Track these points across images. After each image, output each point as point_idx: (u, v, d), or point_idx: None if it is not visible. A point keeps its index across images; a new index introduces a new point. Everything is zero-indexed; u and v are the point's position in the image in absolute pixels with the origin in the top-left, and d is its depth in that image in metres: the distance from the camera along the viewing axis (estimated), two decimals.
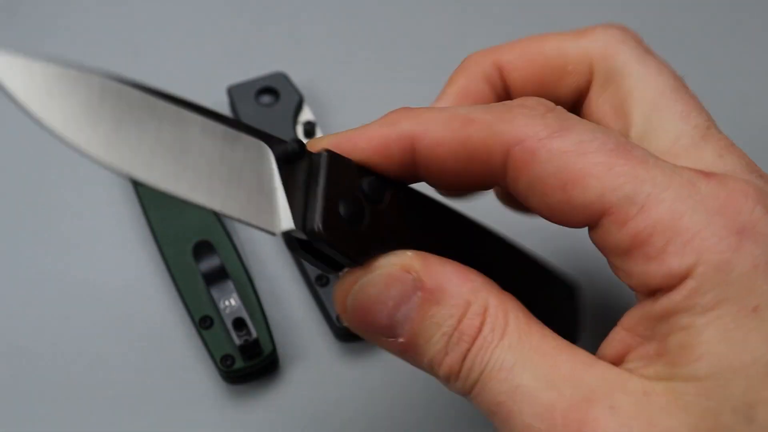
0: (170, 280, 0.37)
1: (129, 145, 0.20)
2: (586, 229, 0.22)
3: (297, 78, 0.43)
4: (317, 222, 0.21)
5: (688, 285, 0.19)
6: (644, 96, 0.25)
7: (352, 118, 0.29)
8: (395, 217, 0.23)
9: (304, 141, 0.24)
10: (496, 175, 0.22)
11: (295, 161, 0.22)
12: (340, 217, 0.22)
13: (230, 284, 0.35)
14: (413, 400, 0.34)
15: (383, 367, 0.35)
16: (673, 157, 0.23)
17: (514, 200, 0.30)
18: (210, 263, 0.35)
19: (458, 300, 0.21)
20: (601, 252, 0.22)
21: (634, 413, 0.19)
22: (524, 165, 0.21)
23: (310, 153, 0.23)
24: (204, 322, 0.34)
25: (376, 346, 0.23)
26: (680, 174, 0.20)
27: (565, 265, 0.31)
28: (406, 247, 0.23)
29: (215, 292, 0.35)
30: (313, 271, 0.36)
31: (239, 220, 0.21)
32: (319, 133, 0.41)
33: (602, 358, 0.22)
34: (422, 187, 0.25)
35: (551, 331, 0.22)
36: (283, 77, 0.43)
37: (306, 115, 0.42)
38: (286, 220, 0.21)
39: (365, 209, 0.23)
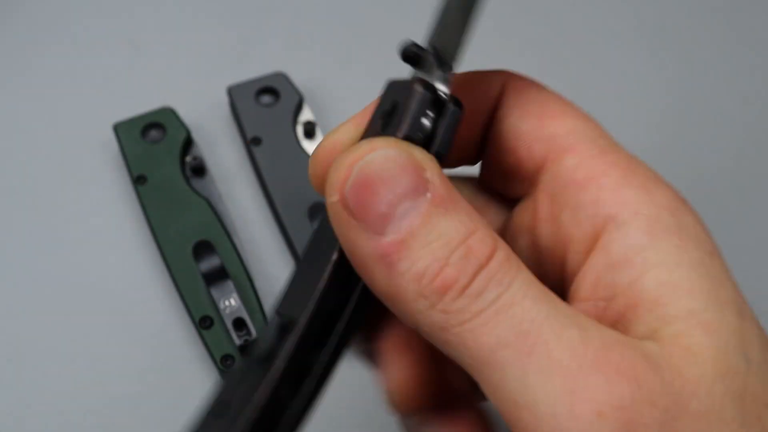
0: (170, 280, 0.37)
1: None
2: None
3: (297, 78, 0.43)
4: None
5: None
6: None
7: None
8: None
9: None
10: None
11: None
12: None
13: (230, 284, 0.35)
14: None
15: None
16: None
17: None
18: (210, 263, 0.35)
19: (469, 220, 0.19)
20: None
21: (665, 364, 0.18)
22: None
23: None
24: (204, 322, 0.34)
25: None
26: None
27: None
28: None
29: (215, 292, 0.35)
30: None
31: None
32: (319, 133, 0.41)
33: None
34: None
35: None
36: (283, 77, 0.43)
37: (306, 115, 0.42)
38: None
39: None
